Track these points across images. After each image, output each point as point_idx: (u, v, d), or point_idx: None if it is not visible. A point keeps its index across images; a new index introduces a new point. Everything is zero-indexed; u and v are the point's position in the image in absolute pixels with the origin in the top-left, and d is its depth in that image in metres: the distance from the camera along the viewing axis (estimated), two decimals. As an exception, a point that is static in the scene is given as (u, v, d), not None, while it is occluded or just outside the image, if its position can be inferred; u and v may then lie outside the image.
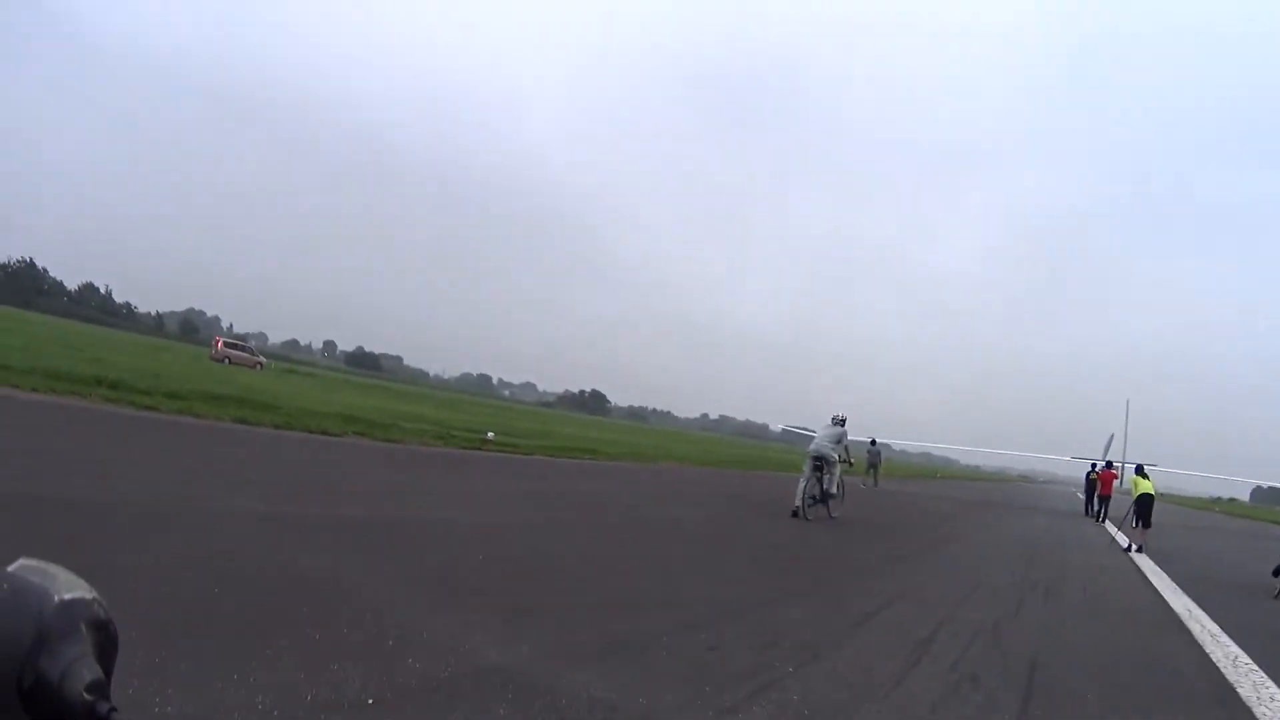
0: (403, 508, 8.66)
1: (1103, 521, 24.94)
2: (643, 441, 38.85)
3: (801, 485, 13.56)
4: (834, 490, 13.98)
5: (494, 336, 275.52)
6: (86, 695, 0.70)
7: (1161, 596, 10.26)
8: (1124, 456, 42.01)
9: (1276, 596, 11.37)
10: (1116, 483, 27.79)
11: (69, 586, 0.75)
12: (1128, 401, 63.90)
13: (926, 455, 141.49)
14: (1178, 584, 11.36)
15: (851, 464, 15.02)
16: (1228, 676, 6.18)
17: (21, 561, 0.75)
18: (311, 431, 14.86)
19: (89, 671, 0.72)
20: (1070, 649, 6.56)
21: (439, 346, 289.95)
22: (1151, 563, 13.74)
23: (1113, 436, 52.94)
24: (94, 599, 0.77)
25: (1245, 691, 5.77)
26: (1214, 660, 6.75)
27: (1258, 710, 5.25)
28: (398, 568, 5.85)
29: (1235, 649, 7.28)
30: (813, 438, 14.54)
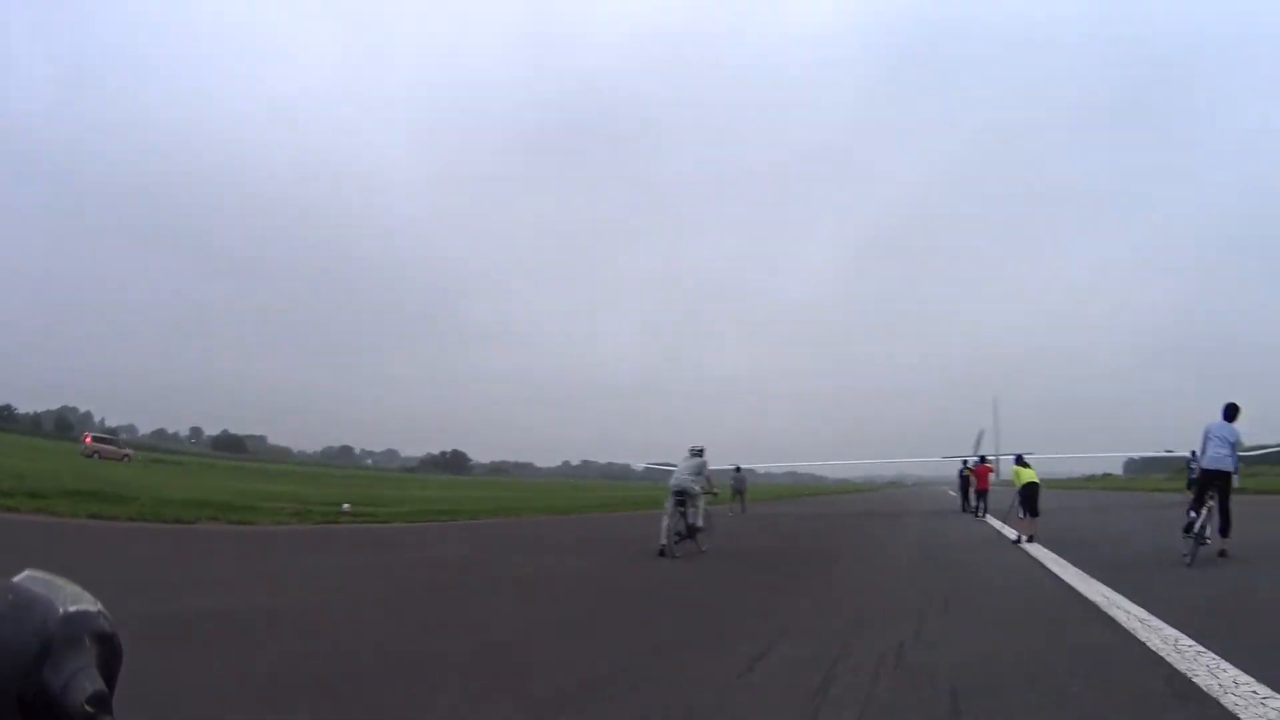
0: (234, 596, 8.04)
1: (983, 516, 24.84)
2: (504, 496, 38.78)
3: (665, 523, 13.15)
4: (701, 523, 13.55)
5: (353, 407, 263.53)
6: (88, 707, 0.72)
7: (1071, 587, 9.42)
8: (998, 450, 43.32)
9: (1190, 564, 10.94)
10: (993, 475, 28.13)
11: (74, 599, 0.78)
12: (995, 398, 66.31)
13: (793, 475, 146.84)
14: (1082, 569, 10.65)
15: (716, 494, 14.76)
16: (1177, 665, 5.29)
17: (27, 573, 0.78)
18: (165, 521, 14.81)
19: (91, 683, 0.74)
20: (991, 666, 5.55)
21: (301, 422, 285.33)
22: (1047, 551, 13.14)
23: (982, 431, 54.42)
24: (99, 611, 0.80)
25: (1203, 679, 4.90)
26: (1154, 649, 5.85)
27: (1226, 700, 4.48)
28: (213, 670, 5.22)
29: (1171, 631, 6.40)
30: (673, 472, 14.16)
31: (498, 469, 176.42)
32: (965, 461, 31.51)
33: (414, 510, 22.68)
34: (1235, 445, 11.70)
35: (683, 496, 13.55)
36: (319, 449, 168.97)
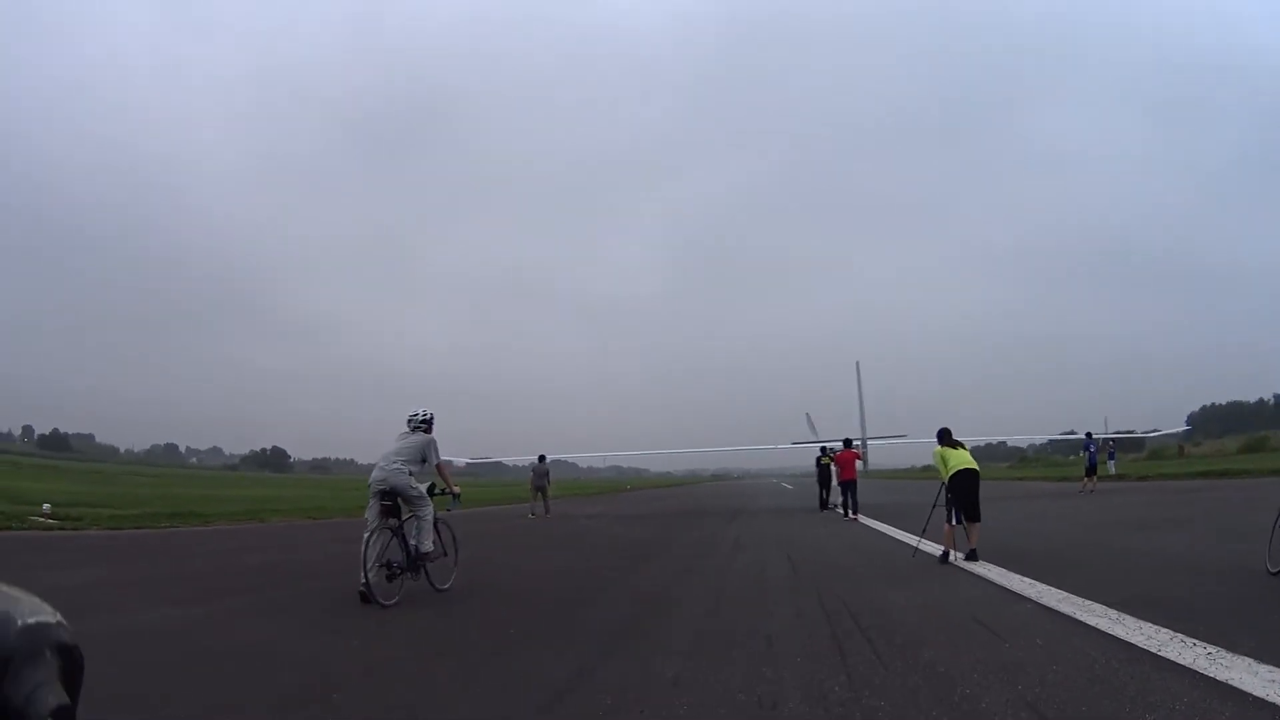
0: None
1: (854, 515, 19.96)
2: (286, 496, 36.39)
3: (367, 546, 8.12)
4: (429, 544, 8.69)
5: (179, 404, 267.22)
6: None
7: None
8: (864, 430, 39.26)
9: None
10: (860, 464, 23.40)
11: (33, 610, 0.79)
12: (858, 364, 60.79)
13: (616, 469, 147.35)
14: (1184, 633, 5.50)
15: (456, 494, 9.43)
16: None
17: None
18: None
19: (54, 697, 0.74)
20: None
21: (130, 420, 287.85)
22: (1033, 582, 7.75)
23: (808, 415, 48.78)
24: (59, 622, 0.80)
25: None
26: None
27: None
28: None
29: None
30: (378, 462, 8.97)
31: (318, 466, 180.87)
32: (824, 448, 26.40)
33: (142, 514, 20.93)
34: None
35: (392, 499, 8.55)
36: (146, 447, 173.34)
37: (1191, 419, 78.70)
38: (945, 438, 10.87)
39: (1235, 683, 4.28)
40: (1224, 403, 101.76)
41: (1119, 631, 5.60)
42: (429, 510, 8.80)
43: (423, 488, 8.80)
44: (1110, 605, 6.40)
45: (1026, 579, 8.02)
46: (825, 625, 6.43)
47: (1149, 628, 5.61)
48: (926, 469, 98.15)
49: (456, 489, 9.46)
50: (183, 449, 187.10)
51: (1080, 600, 6.74)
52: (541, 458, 26.69)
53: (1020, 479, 47.68)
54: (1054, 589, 7.33)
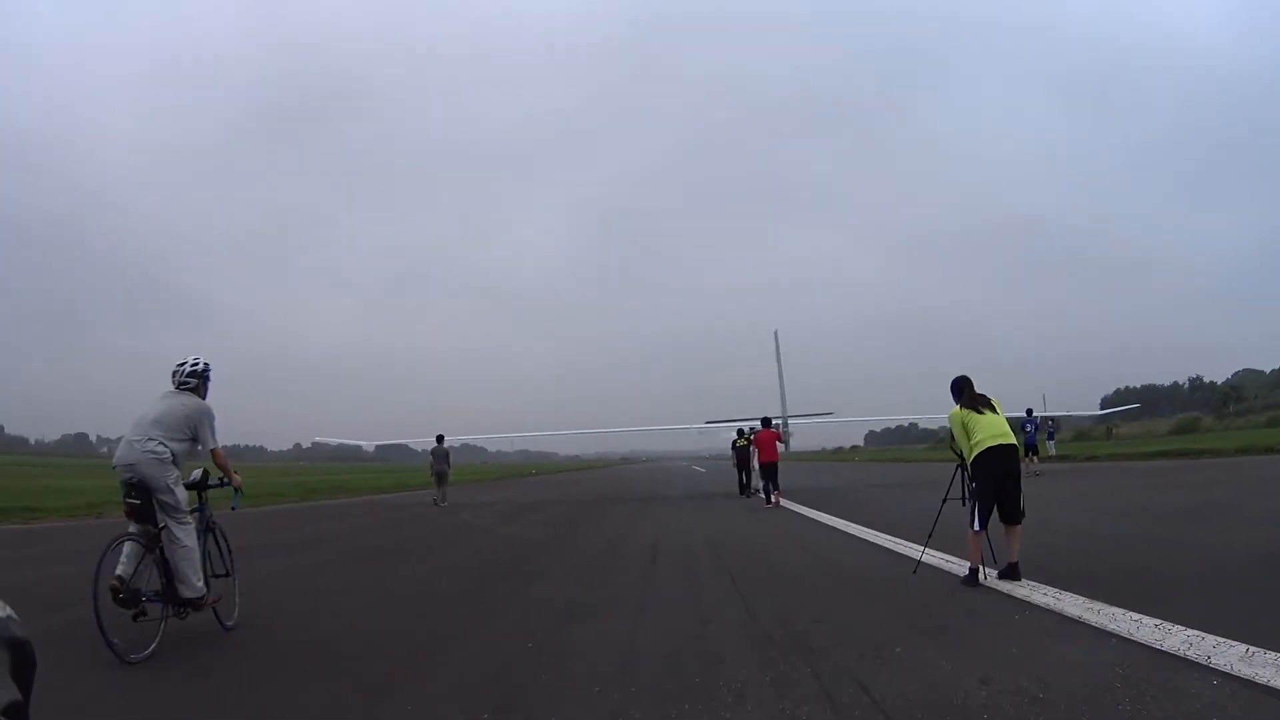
0: None
1: (777, 501, 16.76)
2: None
3: (102, 562, 5.26)
4: (197, 585, 5.70)
5: (93, 393, 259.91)
6: (3, 718, 0.62)
7: None
8: (784, 409, 35.80)
9: None
10: (782, 445, 20.60)
11: None
12: (776, 333, 56.20)
13: (524, 452, 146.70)
14: None
15: (237, 488, 6.63)
16: None
17: None
18: None
19: (5, 693, 0.72)
20: None
21: (41, 410, 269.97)
22: (1167, 624, 4.65)
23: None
24: (8, 617, 0.79)
25: None
26: None
27: None
28: None
29: None
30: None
31: (230, 454, 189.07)
32: (741, 430, 23.84)
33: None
34: None
35: (142, 497, 5.59)
36: (57, 437, 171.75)
37: (1105, 402, 79.74)
38: (963, 392, 7.27)
39: None
40: (1138, 386, 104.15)
41: None
42: (190, 530, 5.78)
43: (170, 477, 5.70)
44: None
45: (1136, 615, 4.92)
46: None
47: None
48: (838, 451, 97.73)
49: (236, 479, 6.57)
50: (93, 438, 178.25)
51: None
52: (440, 438, 23.75)
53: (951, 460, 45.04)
54: (1211, 636, 4.30)
